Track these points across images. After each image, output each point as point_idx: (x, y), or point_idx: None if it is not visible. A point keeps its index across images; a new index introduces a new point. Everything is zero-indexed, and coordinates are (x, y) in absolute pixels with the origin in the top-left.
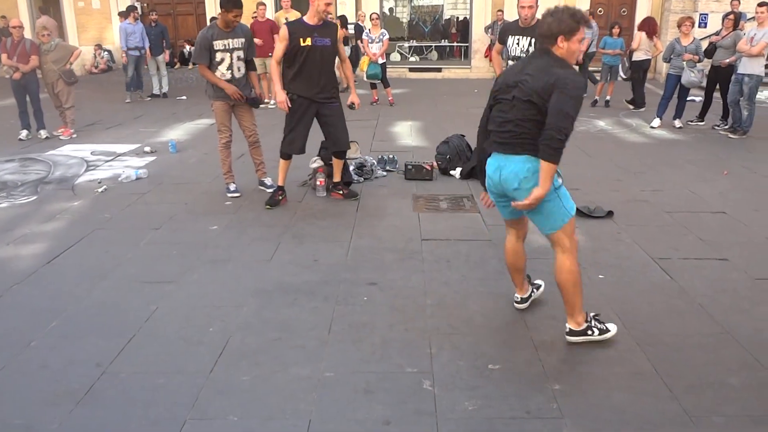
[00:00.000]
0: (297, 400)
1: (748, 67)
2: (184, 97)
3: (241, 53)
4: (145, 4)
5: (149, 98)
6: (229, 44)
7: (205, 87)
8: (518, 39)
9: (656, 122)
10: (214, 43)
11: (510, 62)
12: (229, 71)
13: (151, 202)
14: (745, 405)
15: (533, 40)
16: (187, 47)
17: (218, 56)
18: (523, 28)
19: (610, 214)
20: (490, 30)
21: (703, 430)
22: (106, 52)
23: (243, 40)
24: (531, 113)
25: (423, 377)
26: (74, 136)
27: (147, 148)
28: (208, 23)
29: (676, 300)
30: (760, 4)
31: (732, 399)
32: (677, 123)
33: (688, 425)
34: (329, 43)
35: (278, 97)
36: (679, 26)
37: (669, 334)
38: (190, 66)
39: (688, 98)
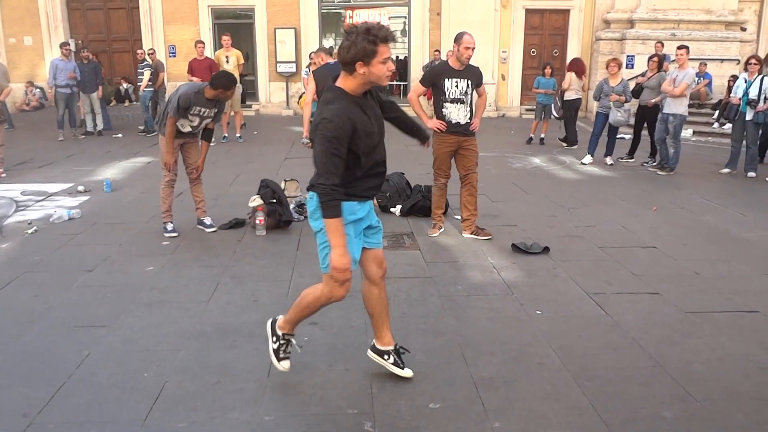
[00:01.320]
0: None
1: (672, 107)
2: (120, 135)
3: (209, 121)
4: (80, 41)
5: (83, 136)
6: (204, 112)
7: (157, 120)
8: (456, 81)
9: (587, 159)
10: (193, 107)
11: (448, 105)
12: (189, 127)
13: (84, 243)
14: None
15: (469, 81)
16: (125, 84)
17: (190, 117)
18: (460, 70)
19: (546, 250)
20: (427, 68)
21: None
22: (38, 89)
23: (216, 110)
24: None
25: (364, 418)
26: (3, 175)
27: (80, 188)
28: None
29: (610, 334)
30: (679, 47)
31: None
32: (608, 160)
33: None
34: None
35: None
36: (606, 67)
37: (604, 368)
38: (127, 103)
39: (618, 136)
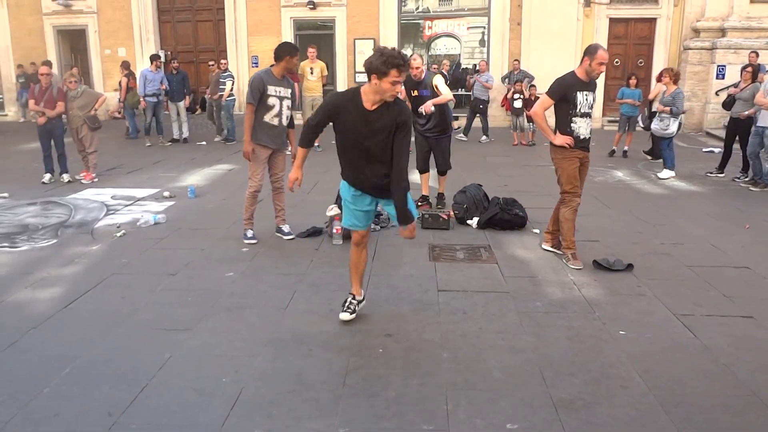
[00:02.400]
0: None
1: (765, 119)
2: (204, 143)
3: (289, 103)
4: (169, 52)
5: (170, 143)
6: (279, 92)
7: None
8: (586, 95)
9: (665, 173)
10: (268, 87)
11: (577, 119)
12: (277, 118)
13: (168, 248)
14: None
15: (594, 95)
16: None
17: (270, 102)
18: (587, 83)
19: (629, 267)
20: (506, 80)
21: None
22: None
23: (290, 91)
24: None
25: None
26: (96, 180)
27: (166, 193)
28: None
29: (699, 359)
30: None
31: None
32: (663, 174)
33: None
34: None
35: None
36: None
37: (693, 395)
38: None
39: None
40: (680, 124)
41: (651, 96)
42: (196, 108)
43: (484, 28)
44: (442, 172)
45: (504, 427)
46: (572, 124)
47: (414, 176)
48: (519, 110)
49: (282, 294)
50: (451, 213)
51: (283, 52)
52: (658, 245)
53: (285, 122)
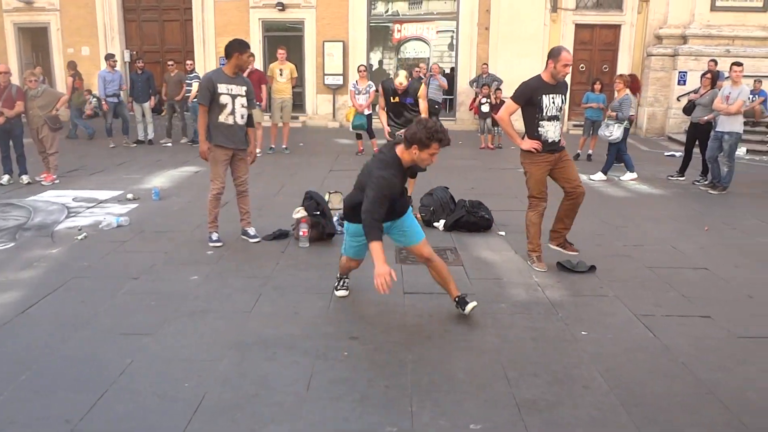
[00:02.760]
0: None
1: (727, 125)
2: (169, 144)
3: (244, 101)
4: (135, 52)
5: (134, 144)
6: (231, 89)
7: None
8: (553, 98)
9: (628, 176)
10: (218, 86)
11: (545, 123)
12: (232, 117)
13: (131, 251)
14: None
15: (563, 97)
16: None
17: (222, 100)
18: (554, 85)
19: (592, 268)
20: (475, 83)
21: None
22: (94, 99)
23: (245, 88)
24: None
25: None
26: (57, 181)
27: (129, 195)
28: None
29: (659, 358)
30: (734, 64)
31: None
32: (597, 176)
33: None
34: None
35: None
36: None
37: (653, 394)
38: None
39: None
40: (626, 130)
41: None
42: (162, 109)
43: (453, 32)
44: (412, 174)
45: (468, 428)
46: (539, 128)
47: None
48: (486, 114)
49: (247, 297)
50: (418, 215)
51: (232, 49)
52: (620, 247)
53: (241, 121)
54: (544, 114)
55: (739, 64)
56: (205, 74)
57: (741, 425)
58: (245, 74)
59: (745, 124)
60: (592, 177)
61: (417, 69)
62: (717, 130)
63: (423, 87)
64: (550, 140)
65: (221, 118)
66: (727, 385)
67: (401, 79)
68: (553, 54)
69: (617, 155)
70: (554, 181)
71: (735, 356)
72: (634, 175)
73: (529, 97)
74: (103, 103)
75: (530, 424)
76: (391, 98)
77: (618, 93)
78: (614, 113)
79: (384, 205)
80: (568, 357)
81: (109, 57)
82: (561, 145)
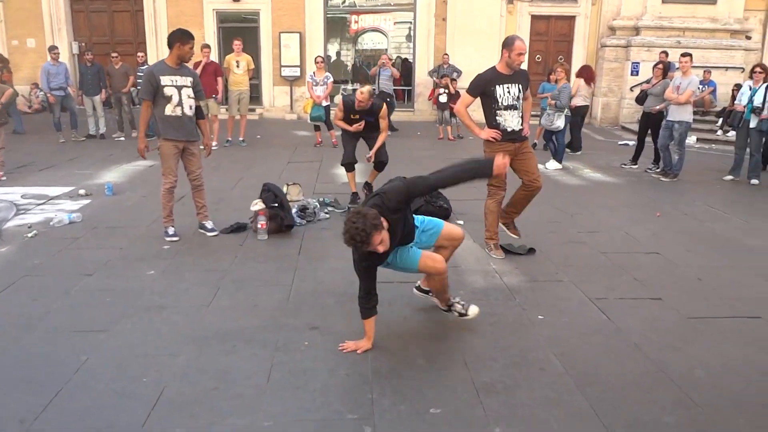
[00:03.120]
0: None
1: (677, 114)
2: (122, 138)
3: (190, 92)
4: (83, 44)
5: (84, 139)
6: (176, 81)
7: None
8: (508, 87)
9: (552, 164)
10: (161, 78)
11: (502, 112)
12: (179, 108)
13: (84, 247)
14: None
15: (521, 86)
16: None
17: (166, 92)
18: (509, 75)
19: (531, 251)
20: (435, 74)
21: None
22: (41, 92)
23: (191, 79)
24: None
25: (364, 423)
26: (3, 178)
27: (81, 191)
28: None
29: (612, 340)
30: (683, 55)
31: None
32: (549, 165)
33: None
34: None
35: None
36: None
37: (606, 374)
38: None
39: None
40: (567, 117)
41: (572, 92)
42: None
43: (411, 23)
44: (379, 167)
45: (428, 412)
46: (497, 118)
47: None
48: (444, 104)
49: (205, 291)
50: None
51: (174, 39)
52: (575, 234)
53: (189, 112)
54: (500, 104)
55: (688, 55)
56: (147, 67)
57: (690, 401)
58: (202, 66)
59: (695, 113)
60: (547, 165)
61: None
62: (668, 119)
63: (384, 107)
64: (508, 129)
65: (168, 111)
66: (677, 364)
67: (365, 95)
68: (507, 43)
69: (552, 142)
70: (514, 172)
71: (684, 336)
72: (559, 165)
73: (483, 89)
74: (49, 96)
75: (488, 407)
76: (351, 115)
77: (558, 82)
78: (554, 101)
79: (364, 282)
80: (525, 341)
81: (52, 49)
82: (523, 134)
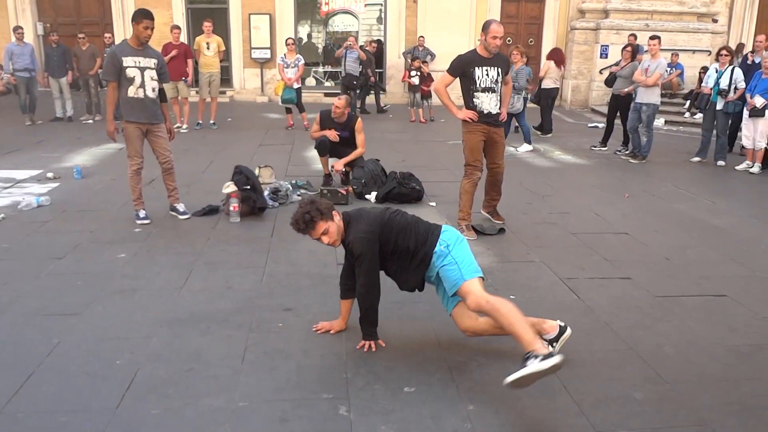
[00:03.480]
0: None
1: (644, 96)
2: (90, 121)
3: (154, 74)
4: (48, 25)
5: (52, 121)
6: (139, 62)
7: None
8: (486, 70)
9: (524, 147)
10: (124, 59)
11: (479, 94)
12: (142, 90)
13: (53, 231)
14: (649, 418)
15: (500, 69)
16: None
17: (129, 73)
18: (488, 58)
19: (501, 231)
20: (409, 54)
21: None
22: (5, 75)
23: (155, 61)
24: None
25: (339, 403)
26: None
27: (49, 174)
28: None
29: (582, 318)
30: (651, 37)
31: (636, 413)
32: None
33: None
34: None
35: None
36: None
37: (576, 352)
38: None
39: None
40: (525, 99)
41: (541, 74)
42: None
43: (382, 5)
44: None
45: (402, 391)
46: (474, 99)
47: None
48: (416, 87)
49: (177, 274)
50: (350, 188)
51: (132, 18)
52: (546, 215)
53: (152, 94)
54: (478, 86)
55: (656, 38)
56: (110, 49)
57: (658, 377)
58: (172, 49)
59: (663, 96)
60: (518, 149)
61: (351, 38)
62: (636, 101)
63: (359, 121)
64: (485, 111)
65: (130, 93)
66: (646, 341)
67: (342, 102)
68: (485, 27)
69: (514, 125)
70: (484, 156)
71: (653, 314)
72: (530, 147)
73: (462, 69)
74: (10, 78)
75: (461, 385)
76: (328, 129)
77: (515, 64)
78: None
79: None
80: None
81: (17, 29)
82: (501, 119)
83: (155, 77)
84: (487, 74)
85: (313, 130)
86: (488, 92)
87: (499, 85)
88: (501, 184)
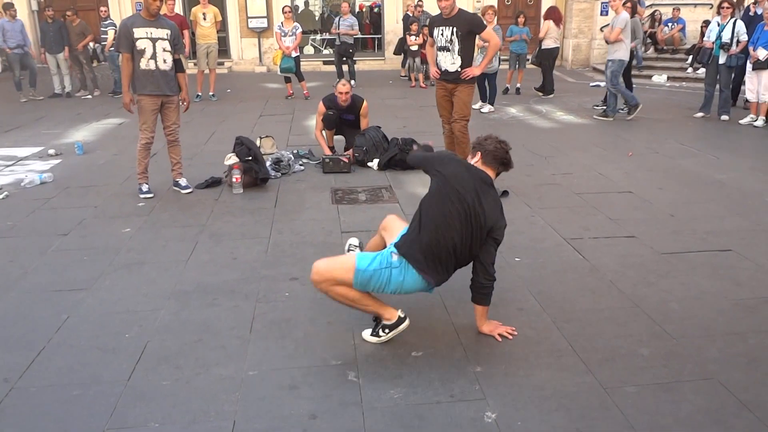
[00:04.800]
0: (220, 401)
1: (610, 53)
2: (88, 96)
3: (166, 44)
4: (42, 0)
5: (43, 98)
6: (151, 33)
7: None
8: (442, 30)
9: (486, 108)
10: (134, 30)
11: (438, 53)
12: (153, 61)
13: (57, 207)
14: (655, 374)
15: (455, 29)
16: (91, 44)
17: (139, 45)
18: (446, 18)
19: (505, 193)
20: (410, 20)
21: (617, 400)
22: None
23: (168, 31)
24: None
25: (347, 369)
26: None
27: (51, 151)
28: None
29: (588, 278)
30: None
31: (642, 369)
32: (485, 108)
33: (603, 396)
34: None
35: None
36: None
37: (582, 311)
38: (94, 63)
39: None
40: (499, 59)
41: (541, 34)
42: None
43: None
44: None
45: (410, 356)
46: (437, 58)
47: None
48: (415, 52)
49: (183, 246)
50: (352, 156)
51: None
52: (549, 176)
53: (164, 65)
54: (437, 45)
55: None
56: (122, 20)
57: (665, 333)
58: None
59: (665, 51)
60: (482, 110)
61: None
62: (607, 58)
63: (365, 105)
64: (442, 69)
65: (142, 65)
66: (651, 298)
67: (347, 86)
68: None
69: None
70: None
71: (658, 271)
72: (492, 108)
73: (430, 29)
74: (6, 48)
75: (469, 348)
76: (329, 111)
77: (489, 24)
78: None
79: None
80: (503, 282)
81: (8, 6)
82: (463, 77)
83: (168, 48)
84: (442, 34)
85: (317, 127)
86: (443, 51)
87: (455, 44)
88: (464, 145)
